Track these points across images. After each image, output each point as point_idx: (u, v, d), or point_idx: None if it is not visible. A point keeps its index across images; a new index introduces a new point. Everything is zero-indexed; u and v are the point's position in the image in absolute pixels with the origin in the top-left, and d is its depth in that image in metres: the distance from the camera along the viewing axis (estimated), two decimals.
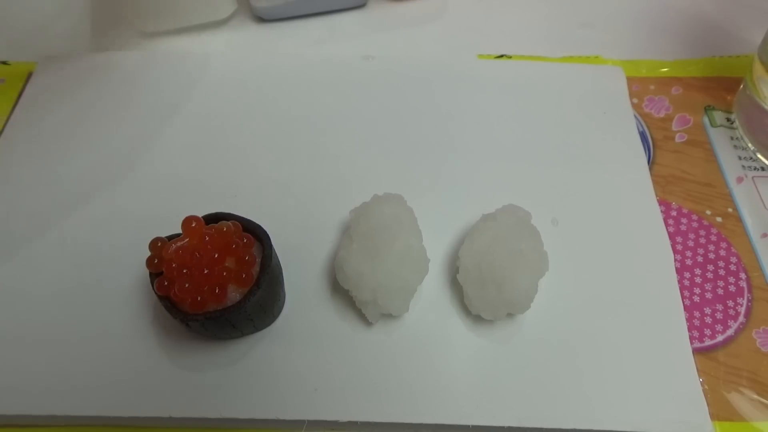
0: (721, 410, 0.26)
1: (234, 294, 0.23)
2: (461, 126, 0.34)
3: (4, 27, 0.39)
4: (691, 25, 0.41)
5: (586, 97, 0.36)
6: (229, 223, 0.24)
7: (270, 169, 0.32)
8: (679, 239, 0.31)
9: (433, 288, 0.28)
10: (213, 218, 0.25)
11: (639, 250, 0.30)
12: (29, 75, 0.37)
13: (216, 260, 0.23)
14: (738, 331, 0.28)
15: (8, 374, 0.25)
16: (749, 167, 0.34)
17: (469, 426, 0.25)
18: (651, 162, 0.34)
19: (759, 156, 0.34)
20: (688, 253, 0.30)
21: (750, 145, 0.34)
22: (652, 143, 0.35)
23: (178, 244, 0.23)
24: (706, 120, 0.36)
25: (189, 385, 0.25)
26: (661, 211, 0.31)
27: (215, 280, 0.23)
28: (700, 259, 0.30)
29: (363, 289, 0.25)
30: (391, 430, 0.25)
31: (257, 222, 0.25)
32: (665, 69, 0.38)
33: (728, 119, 0.36)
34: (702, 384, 0.26)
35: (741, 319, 0.28)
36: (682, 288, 0.29)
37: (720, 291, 0.29)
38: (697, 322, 0.28)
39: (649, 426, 0.25)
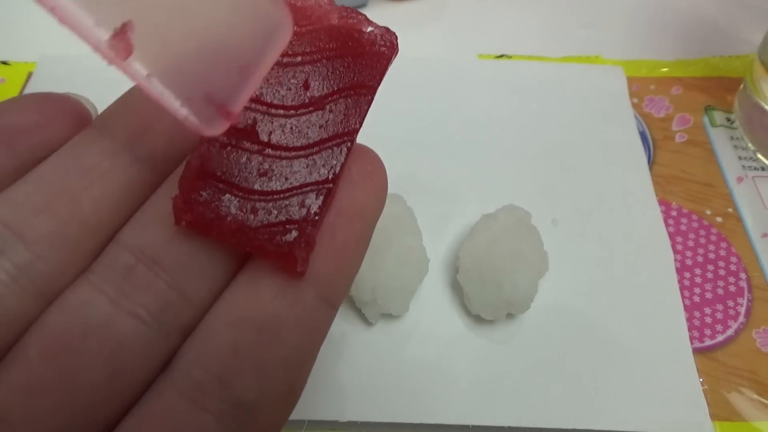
0: (721, 410, 0.26)
1: None
2: (461, 126, 0.34)
3: (4, 27, 0.39)
4: (691, 25, 0.41)
5: (586, 97, 0.36)
6: None
7: None
8: (679, 239, 0.31)
9: (433, 288, 0.28)
10: None
11: (639, 250, 0.30)
12: (29, 75, 0.37)
13: None
14: (738, 331, 0.28)
15: None
16: (749, 167, 0.34)
17: (469, 426, 0.25)
18: (651, 162, 0.34)
19: (759, 156, 0.34)
20: (688, 253, 0.30)
21: (750, 145, 0.34)
22: (652, 143, 0.35)
23: None
24: (706, 120, 0.36)
25: None
26: (661, 211, 0.31)
27: None
28: (700, 259, 0.30)
29: (363, 289, 0.25)
30: (391, 430, 0.25)
31: None
32: (665, 69, 0.38)
33: (728, 119, 0.36)
34: (702, 384, 0.26)
35: (741, 319, 0.28)
36: (682, 288, 0.29)
37: (720, 291, 0.29)
38: (697, 322, 0.28)
39: (649, 426, 0.25)
